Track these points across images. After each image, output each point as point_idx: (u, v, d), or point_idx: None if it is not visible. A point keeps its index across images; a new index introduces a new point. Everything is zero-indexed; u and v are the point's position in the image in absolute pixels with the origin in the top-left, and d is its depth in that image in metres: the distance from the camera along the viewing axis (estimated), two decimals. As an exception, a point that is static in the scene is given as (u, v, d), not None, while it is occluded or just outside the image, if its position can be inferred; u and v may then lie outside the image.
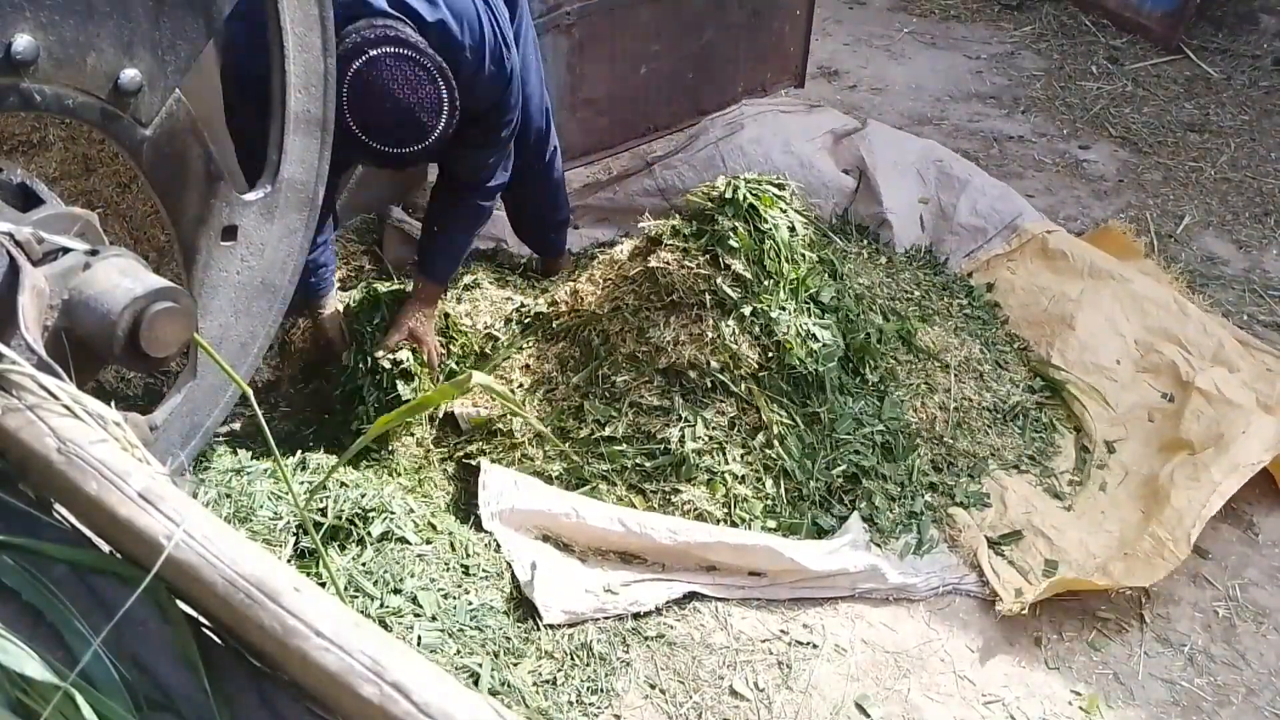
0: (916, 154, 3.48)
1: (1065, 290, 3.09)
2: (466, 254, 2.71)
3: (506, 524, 2.24)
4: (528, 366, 2.61)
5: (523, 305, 2.78)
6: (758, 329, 2.41)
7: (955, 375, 2.72)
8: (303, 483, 2.19)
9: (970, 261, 3.29)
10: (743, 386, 2.40)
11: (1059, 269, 3.18)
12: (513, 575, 2.15)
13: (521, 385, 2.56)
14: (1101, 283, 3.08)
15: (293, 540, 2.03)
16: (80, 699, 0.69)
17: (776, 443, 2.38)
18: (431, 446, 2.51)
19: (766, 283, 2.43)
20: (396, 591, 1.98)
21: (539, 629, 2.07)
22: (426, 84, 1.98)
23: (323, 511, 2.07)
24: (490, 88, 2.23)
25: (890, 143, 3.48)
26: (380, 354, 2.48)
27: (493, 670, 1.92)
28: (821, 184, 3.34)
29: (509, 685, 1.91)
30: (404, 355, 2.48)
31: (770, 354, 2.42)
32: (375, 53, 1.93)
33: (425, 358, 2.54)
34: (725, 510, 2.32)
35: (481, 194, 2.51)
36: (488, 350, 2.69)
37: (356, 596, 1.96)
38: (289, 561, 2.01)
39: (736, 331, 2.40)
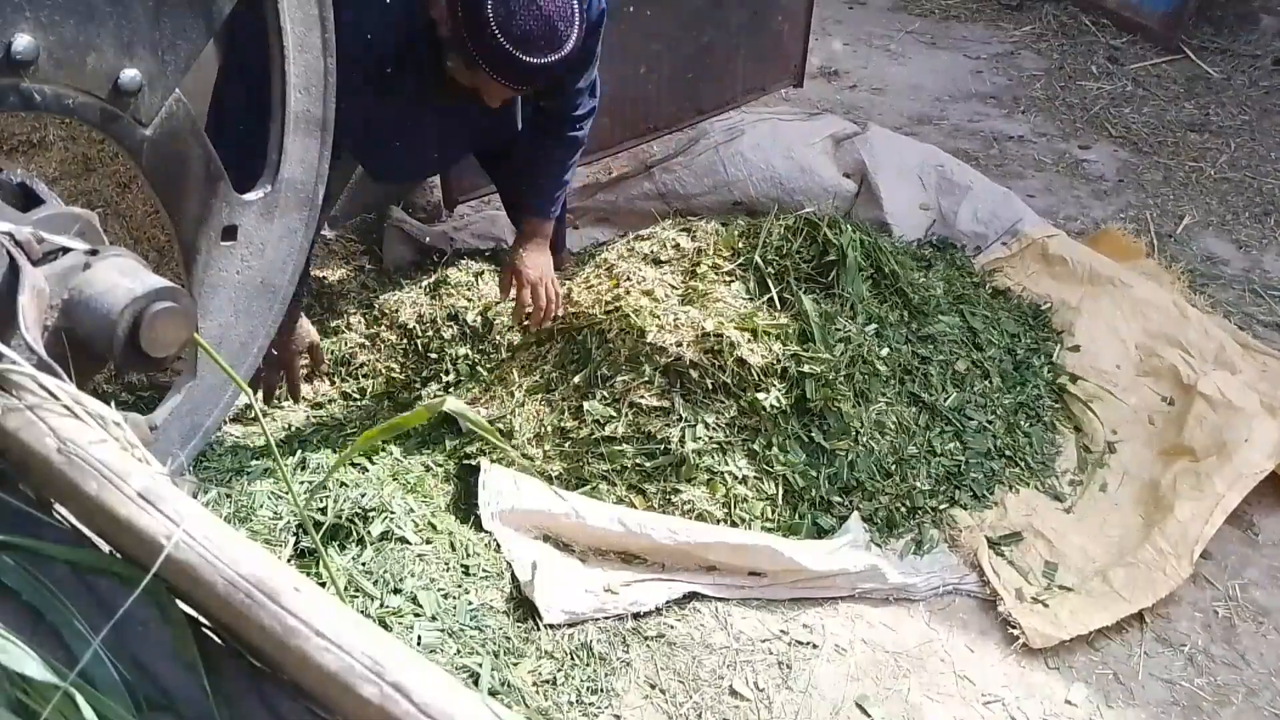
0: (918, 159, 3.48)
1: (1065, 297, 3.09)
2: (566, 192, 2.67)
3: (506, 524, 2.24)
4: (527, 367, 2.61)
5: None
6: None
7: (963, 374, 2.72)
8: (303, 482, 2.19)
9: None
10: (747, 394, 2.40)
11: (1058, 275, 3.18)
12: (513, 575, 2.15)
13: (521, 386, 2.56)
14: (1101, 288, 3.08)
15: (293, 540, 2.03)
16: (80, 699, 0.69)
17: (777, 447, 2.39)
18: (432, 446, 2.51)
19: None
20: (396, 591, 1.98)
21: (539, 629, 2.07)
22: None
23: (323, 511, 2.07)
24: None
25: (891, 147, 3.48)
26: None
27: (493, 670, 1.92)
28: (822, 188, 3.34)
29: (509, 685, 1.91)
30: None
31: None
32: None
33: (545, 298, 2.52)
34: (725, 510, 2.32)
35: (573, 124, 2.51)
36: (486, 350, 2.69)
37: (356, 596, 1.96)
38: (289, 561, 2.02)
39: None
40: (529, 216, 2.58)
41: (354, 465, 2.33)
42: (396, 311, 2.77)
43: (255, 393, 2.40)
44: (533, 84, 2.11)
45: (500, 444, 2.40)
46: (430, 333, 2.72)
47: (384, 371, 2.70)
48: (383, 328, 2.77)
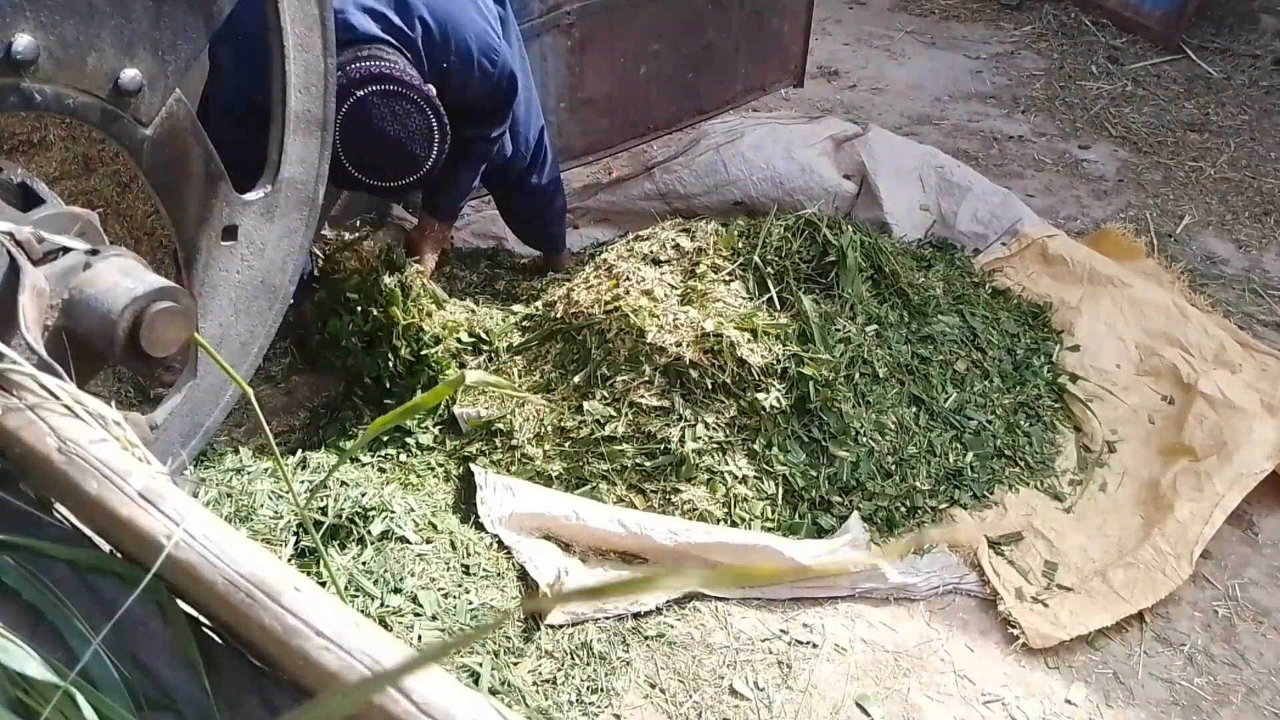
0: (918, 160, 3.48)
1: (1065, 297, 3.09)
2: (469, 193, 2.69)
3: (508, 528, 2.24)
4: (527, 367, 2.61)
5: (522, 305, 2.78)
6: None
7: (965, 374, 2.72)
8: (303, 482, 2.19)
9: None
10: (747, 394, 2.40)
11: (1058, 275, 3.18)
12: (518, 575, 2.15)
13: (521, 386, 2.56)
14: (1101, 288, 3.08)
15: (293, 539, 2.03)
16: (80, 698, 0.69)
17: (777, 447, 2.39)
18: (433, 446, 2.51)
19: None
20: (397, 591, 1.98)
21: (539, 628, 2.07)
22: (415, 116, 1.97)
23: (323, 510, 2.07)
24: (482, 88, 2.23)
25: (891, 148, 3.48)
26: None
27: (493, 670, 1.92)
28: (822, 189, 3.34)
29: (509, 685, 1.91)
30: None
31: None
32: (362, 93, 1.92)
33: (424, 273, 2.57)
34: (725, 510, 2.32)
35: (486, 141, 2.51)
36: (487, 350, 2.69)
37: (357, 596, 1.96)
38: (289, 561, 2.01)
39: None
40: (429, 215, 2.63)
41: (354, 461, 2.33)
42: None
43: (256, 390, 2.40)
44: (392, 197, 2.14)
45: (523, 395, 2.44)
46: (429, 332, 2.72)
47: (383, 372, 2.70)
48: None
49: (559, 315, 2.67)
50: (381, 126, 1.94)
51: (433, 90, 2.04)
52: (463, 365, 2.66)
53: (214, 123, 2.05)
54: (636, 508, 2.31)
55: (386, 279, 2.51)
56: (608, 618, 2.14)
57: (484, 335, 2.70)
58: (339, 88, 1.89)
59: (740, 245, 2.72)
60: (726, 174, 3.34)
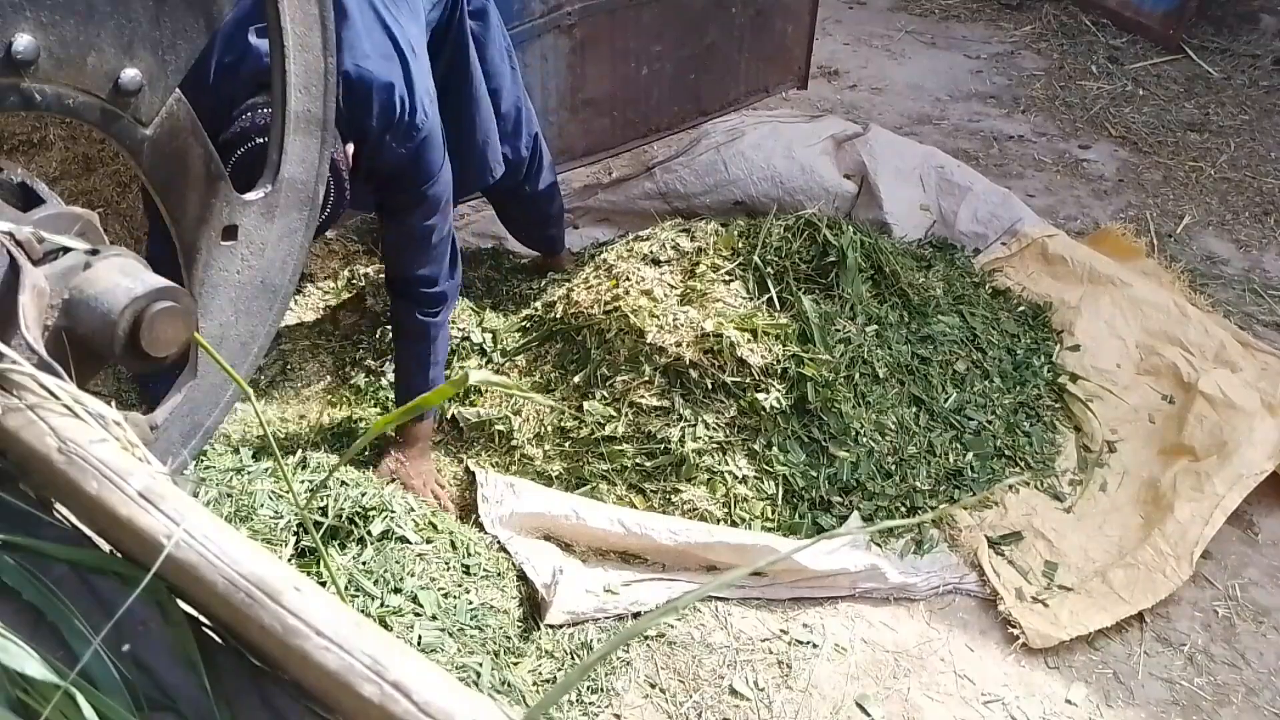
0: (918, 160, 3.48)
1: (1065, 297, 3.08)
2: (427, 384, 2.35)
3: (508, 528, 2.24)
4: (527, 367, 2.62)
5: (521, 305, 2.78)
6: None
7: (964, 374, 2.72)
8: (303, 482, 2.19)
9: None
10: (747, 395, 2.40)
11: (1058, 274, 3.18)
12: (517, 575, 2.15)
13: (521, 386, 2.56)
14: (1101, 288, 3.08)
15: (293, 539, 2.03)
16: (80, 698, 0.69)
17: (777, 447, 2.39)
18: (433, 446, 2.51)
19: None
20: (397, 591, 1.98)
21: (539, 629, 2.07)
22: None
23: (323, 510, 2.07)
24: (398, 156, 2.06)
25: (892, 148, 3.48)
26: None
27: (493, 670, 1.92)
28: (823, 188, 3.34)
29: (509, 685, 1.91)
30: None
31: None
32: (260, 141, 1.79)
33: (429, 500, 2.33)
34: (725, 510, 2.32)
35: (416, 300, 2.28)
36: (487, 351, 2.69)
37: (357, 596, 1.96)
38: (289, 561, 2.01)
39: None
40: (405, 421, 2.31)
41: (353, 463, 2.33)
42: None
43: (255, 392, 2.40)
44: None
45: (540, 401, 2.38)
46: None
47: (383, 372, 2.70)
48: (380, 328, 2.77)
49: (559, 315, 2.67)
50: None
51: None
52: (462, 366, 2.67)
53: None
54: (637, 508, 2.31)
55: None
56: (608, 618, 2.14)
57: (490, 337, 2.71)
58: (239, 131, 1.79)
59: (740, 245, 2.72)
60: (727, 173, 3.34)
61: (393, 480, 2.31)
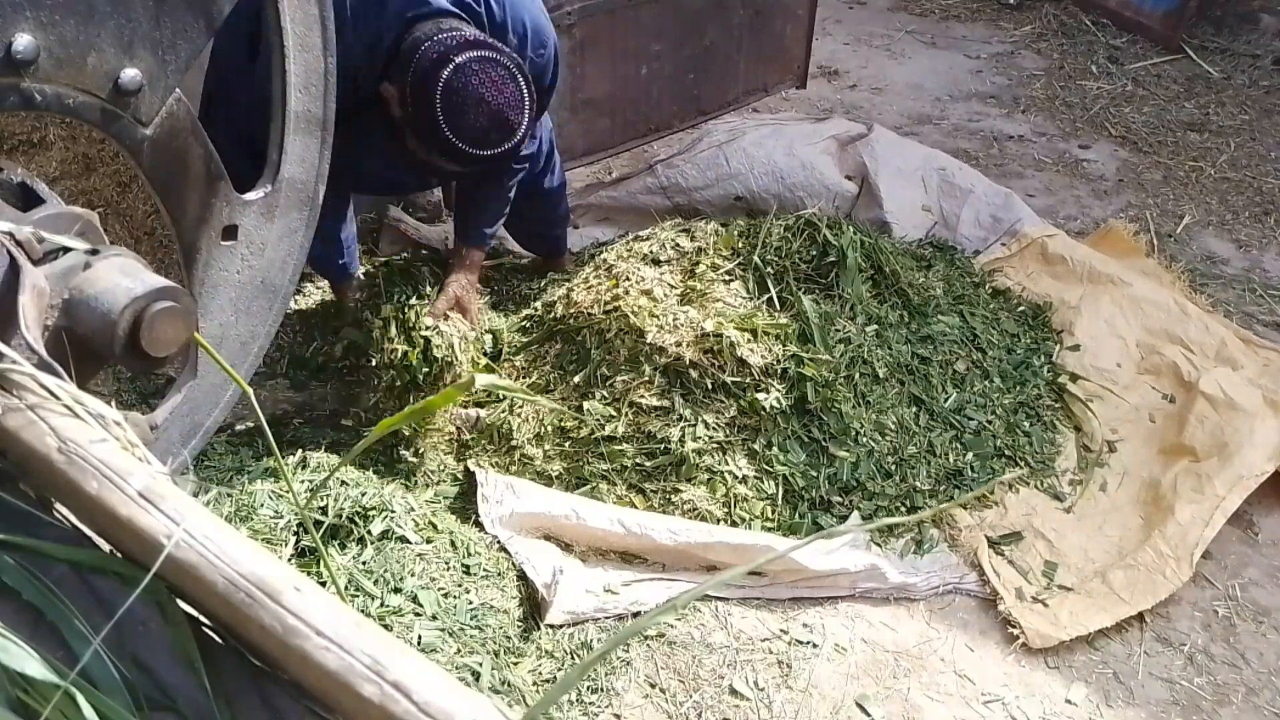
0: (919, 161, 3.48)
1: (1065, 297, 3.08)
2: (503, 216, 2.66)
3: (508, 528, 2.24)
4: (527, 367, 2.61)
5: (521, 305, 2.77)
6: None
7: (965, 374, 2.72)
8: (303, 481, 2.19)
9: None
10: (747, 395, 2.40)
11: (1058, 274, 3.17)
12: (517, 575, 2.15)
13: (521, 386, 2.56)
14: (1101, 287, 3.08)
15: (293, 539, 2.03)
16: (80, 698, 0.69)
17: (777, 447, 2.39)
18: (434, 446, 2.51)
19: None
20: (397, 591, 1.98)
21: (539, 628, 2.07)
22: (509, 83, 1.98)
23: (323, 510, 2.07)
24: (536, 69, 2.22)
25: (894, 149, 3.48)
26: (428, 322, 2.47)
27: (493, 669, 1.92)
28: (824, 187, 3.34)
29: (509, 685, 1.91)
30: (437, 338, 2.46)
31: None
32: (461, 59, 1.93)
33: (469, 325, 2.55)
34: (725, 510, 2.32)
35: (514, 171, 2.50)
36: (488, 350, 2.69)
37: (357, 596, 1.96)
38: (289, 560, 2.02)
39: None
40: (464, 243, 2.61)
41: (354, 463, 2.33)
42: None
43: (255, 392, 2.40)
44: (474, 169, 2.11)
45: (546, 404, 2.41)
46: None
47: (384, 374, 2.70)
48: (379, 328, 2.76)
49: (559, 315, 2.67)
50: (481, 92, 1.93)
51: (519, 57, 2.05)
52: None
53: (214, 122, 2.06)
54: (637, 507, 2.31)
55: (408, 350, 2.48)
56: (608, 617, 2.14)
57: (491, 337, 2.71)
58: (437, 56, 1.90)
59: (740, 245, 2.71)
60: (728, 167, 3.34)
61: (454, 305, 2.53)
